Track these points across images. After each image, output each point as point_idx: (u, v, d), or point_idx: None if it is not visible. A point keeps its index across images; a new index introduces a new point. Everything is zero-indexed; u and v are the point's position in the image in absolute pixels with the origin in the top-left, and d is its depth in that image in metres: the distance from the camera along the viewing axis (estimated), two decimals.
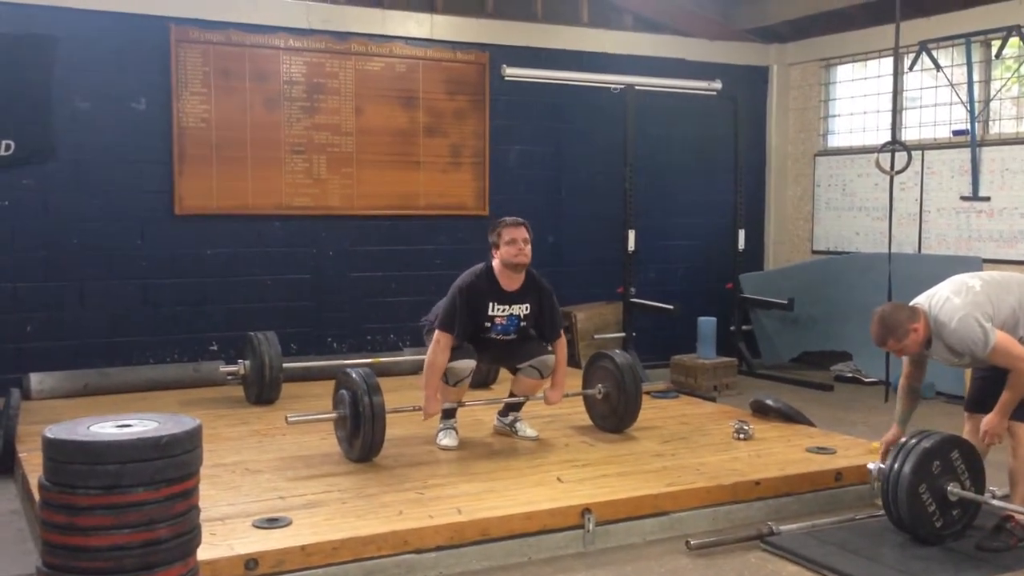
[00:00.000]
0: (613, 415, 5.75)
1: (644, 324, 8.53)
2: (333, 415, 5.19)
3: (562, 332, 5.58)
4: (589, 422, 5.93)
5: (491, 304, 5.29)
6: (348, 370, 5.20)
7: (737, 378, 8.15)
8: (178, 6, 7.32)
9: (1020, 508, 4.23)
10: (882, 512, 4.65)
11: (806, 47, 9.48)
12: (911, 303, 4.41)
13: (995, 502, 4.30)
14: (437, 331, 5.24)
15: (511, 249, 5.23)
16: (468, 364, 5.29)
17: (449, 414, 5.50)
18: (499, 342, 5.41)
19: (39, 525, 3.09)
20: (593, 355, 6.07)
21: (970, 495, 4.26)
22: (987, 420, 4.33)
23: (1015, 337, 4.23)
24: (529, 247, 5.28)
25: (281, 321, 7.54)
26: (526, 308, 5.37)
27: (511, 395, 5.67)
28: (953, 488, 4.22)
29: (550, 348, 5.48)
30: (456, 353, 5.24)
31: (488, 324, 5.32)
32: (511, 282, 5.32)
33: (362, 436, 4.98)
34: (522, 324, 5.39)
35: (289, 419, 5.16)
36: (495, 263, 5.32)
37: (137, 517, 2.87)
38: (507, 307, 5.33)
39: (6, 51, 6.77)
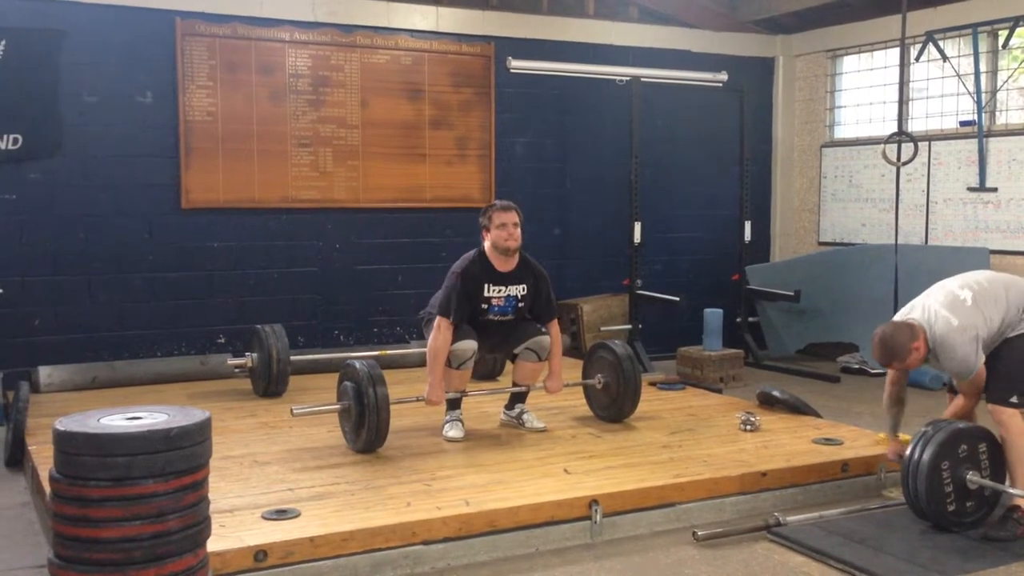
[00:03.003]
0: (613, 405, 5.78)
1: (650, 316, 8.54)
2: (337, 407, 5.21)
3: (556, 317, 5.63)
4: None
5: (487, 285, 5.36)
6: (352, 361, 5.23)
7: (743, 370, 8.14)
8: (184, 0, 7.32)
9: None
10: (889, 503, 4.68)
11: (812, 38, 9.45)
12: (904, 316, 4.47)
13: (1012, 490, 4.30)
14: (437, 317, 5.31)
15: (501, 233, 5.32)
16: (470, 345, 5.33)
17: (454, 405, 5.52)
18: (497, 324, 5.45)
19: (50, 517, 3.11)
20: (592, 346, 6.11)
21: (988, 483, 4.29)
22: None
23: (995, 338, 4.35)
24: (519, 231, 5.38)
25: (288, 314, 7.56)
26: (523, 289, 5.44)
27: (514, 384, 5.70)
28: (973, 476, 4.25)
29: (544, 330, 5.52)
30: (457, 335, 5.29)
31: (485, 306, 5.38)
32: (504, 264, 5.40)
33: (366, 427, 5.00)
34: (520, 305, 5.45)
35: (294, 411, 5.18)
36: (486, 245, 5.41)
37: (147, 509, 2.89)
38: (503, 287, 5.39)
39: (14, 45, 6.79)
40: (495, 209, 5.40)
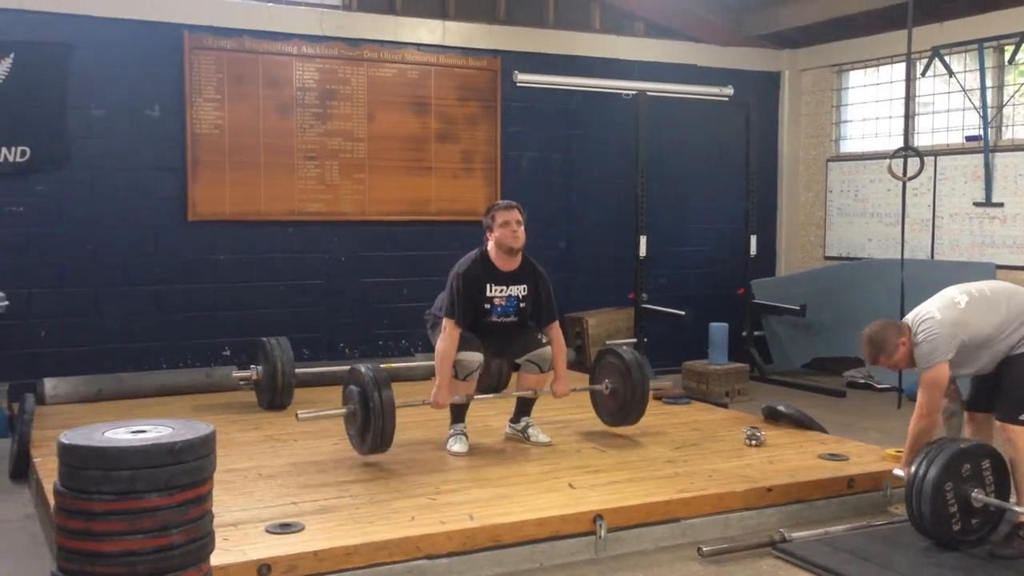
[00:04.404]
0: (620, 411, 5.77)
1: (656, 330, 8.52)
2: (343, 411, 5.21)
3: (558, 319, 5.62)
4: (600, 427, 5.94)
5: (488, 285, 5.37)
6: (357, 366, 5.24)
7: (749, 384, 8.12)
8: (192, 14, 7.36)
9: None
10: (895, 519, 4.65)
11: (818, 53, 9.46)
12: (904, 318, 4.58)
13: (1018, 508, 4.28)
14: (444, 319, 5.32)
15: (506, 232, 5.33)
16: (476, 357, 5.35)
17: (459, 417, 5.53)
18: (500, 326, 5.44)
19: (54, 530, 3.11)
20: (600, 351, 6.11)
21: (994, 501, 4.27)
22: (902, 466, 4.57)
23: (1002, 351, 4.33)
24: (522, 229, 5.38)
25: (293, 326, 7.55)
26: (524, 289, 5.45)
27: (519, 397, 5.71)
28: (977, 494, 4.22)
29: (545, 340, 5.52)
30: (463, 345, 5.30)
31: (488, 307, 5.38)
32: (506, 264, 5.41)
33: (372, 431, 5.00)
34: (521, 306, 5.45)
35: (300, 416, 5.19)
36: (490, 246, 5.43)
37: (151, 523, 2.89)
38: (505, 287, 5.40)
39: (23, 58, 6.83)
40: (498, 208, 5.43)
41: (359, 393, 5.08)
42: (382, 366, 6.76)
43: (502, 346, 5.60)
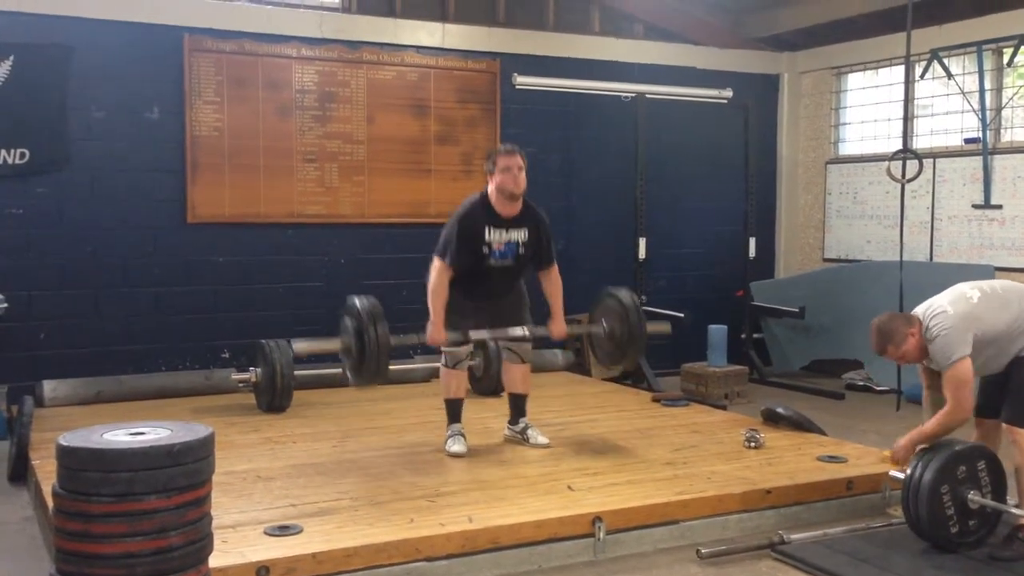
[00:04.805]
0: (618, 350, 5.77)
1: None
2: (338, 343, 5.25)
3: (555, 262, 5.61)
4: (600, 430, 5.96)
5: (488, 229, 5.34)
6: (351, 299, 5.27)
7: (748, 386, 8.12)
8: (192, 16, 7.37)
9: None
10: (894, 521, 4.65)
11: (817, 55, 9.47)
12: (914, 310, 4.51)
13: (1015, 511, 4.28)
14: (435, 257, 5.33)
15: (507, 177, 5.30)
16: (464, 348, 5.45)
17: (455, 417, 5.55)
18: (498, 271, 5.39)
19: (52, 532, 3.11)
20: (601, 293, 6.01)
21: (990, 503, 4.26)
22: (896, 446, 4.54)
23: (1011, 351, 4.30)
24: (523, 175, 5.35)
25: (293, 329, 7.54)
26: (524, 234, 5.42)
27: (509, 394, 5.76)
28: (974, 496, 4.22)
29: (528, 336, 5.55)
30: (453, 336, 5.32)
31: (486, 250, 5.35)
32: (507, 208, 5.37)
33: (366, 364, 5.05)
34: (520, 251, 5.43)
35: (294, 345, 5.32)
36: (491, 189, 5.40)
37: (149, 525, 2.90)
38: (504, 231, 5.37)
39: (23, 61, 6.84)
40: (499, 153, 5.39)
41: (355, 327, 5.11)
42: None
43: (494, 303, 5.50)
